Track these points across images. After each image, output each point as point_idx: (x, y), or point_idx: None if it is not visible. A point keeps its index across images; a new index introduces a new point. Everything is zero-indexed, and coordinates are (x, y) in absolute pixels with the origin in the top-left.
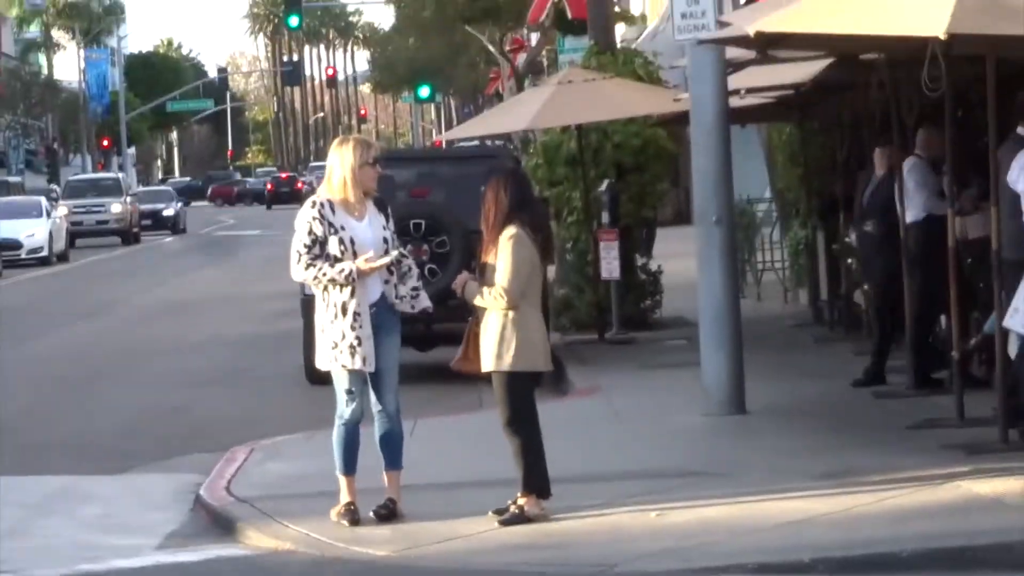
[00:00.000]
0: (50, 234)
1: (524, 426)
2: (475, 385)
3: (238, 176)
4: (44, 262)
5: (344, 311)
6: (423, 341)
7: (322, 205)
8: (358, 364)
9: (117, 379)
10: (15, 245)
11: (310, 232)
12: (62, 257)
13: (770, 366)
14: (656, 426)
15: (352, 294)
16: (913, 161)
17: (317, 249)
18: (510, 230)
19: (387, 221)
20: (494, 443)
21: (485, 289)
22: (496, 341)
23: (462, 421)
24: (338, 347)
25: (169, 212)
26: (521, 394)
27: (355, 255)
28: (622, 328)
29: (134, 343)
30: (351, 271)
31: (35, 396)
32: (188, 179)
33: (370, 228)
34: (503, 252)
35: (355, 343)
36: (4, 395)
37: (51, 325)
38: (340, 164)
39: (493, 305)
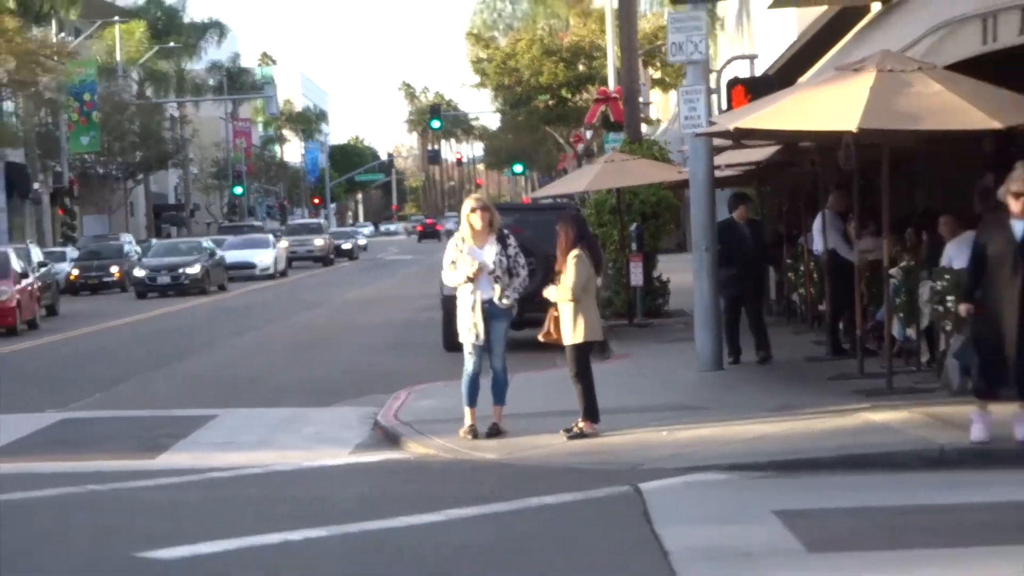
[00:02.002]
0: (275, 259)
1: (584, 376)
2: (551, 353)
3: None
4: (270, 277)
5: (469, 304)
6: (518, 324)
7: (461, 239)
8: (471, 338)
9: (326, 347)
10: (250, 266)
11: (450, 255)
12: (283, 274)
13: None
14: (666, 378)
15: (471, 293)
16: (828, 213)
17: (453, 267)
18: (574, 252)
19: (504, 248)
20: (564, 389)
21: (559, 288)
22: (571, 323)
23: (544, 376)
24: (461, 327)
25: (347, 245)
26: (584, 356)
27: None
28: (644, 317)
29: (336, 324)
30: (466, 273)
31: (273, 357)
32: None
33: (487, 253)
34: (570, 266)
35: (471, 325)
36: (252, 357)
37: (284, 313)
38: (461, 213)
39: (563, 297)
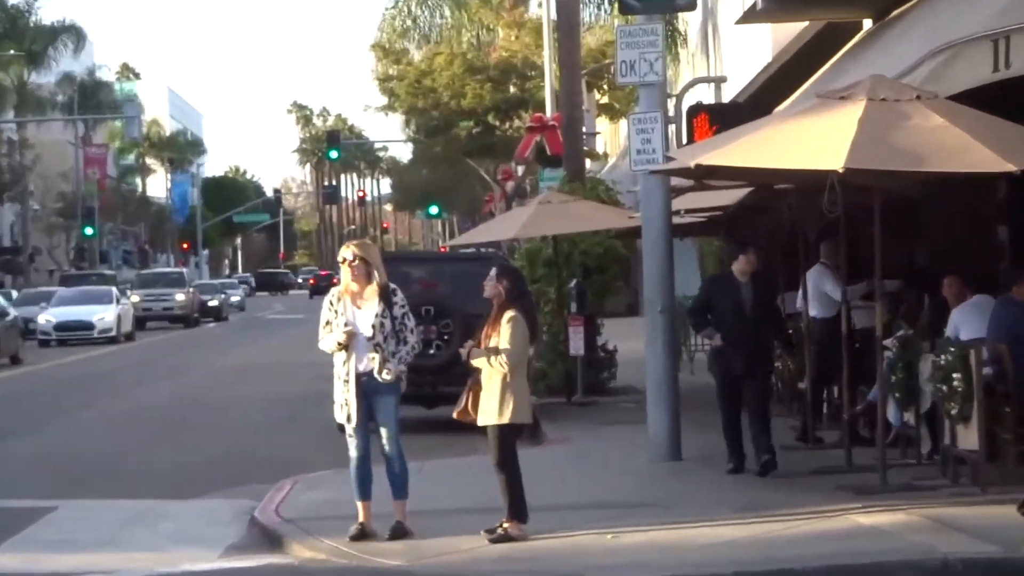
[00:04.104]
0: (118, 317)
1: (510, 466)
2: (470, 434)
3: (289, 273)
4: (112, 340)
5: (339, 377)
6: (430, 400)
7: (333, 295)
8: (343, 418)
9: (191, 426)
10: (86, 326)
11: (324, 316)
12: (129, 337)
13: (701, 424)
14: (611, 468)
15: (344, 363)
16: (819, 268)
17: (329, 329)
18: (510, 313)
19: (388, 307)
20: (486, 480)
21: (491, 357)
22: (497, 399)
23: (461, 463)
24: (336, 403)
25: (214, 302)
26: (511, 440)
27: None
28: (586, 393)
29: (205, 398)
30: (337, 340)
31: (123, 438)
32: (247, 275)
33: (364, 314)
34: (505, 330)
35: (343, 402)
36: (98, 437)
37: (133, 385)
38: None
39: (497, 370)
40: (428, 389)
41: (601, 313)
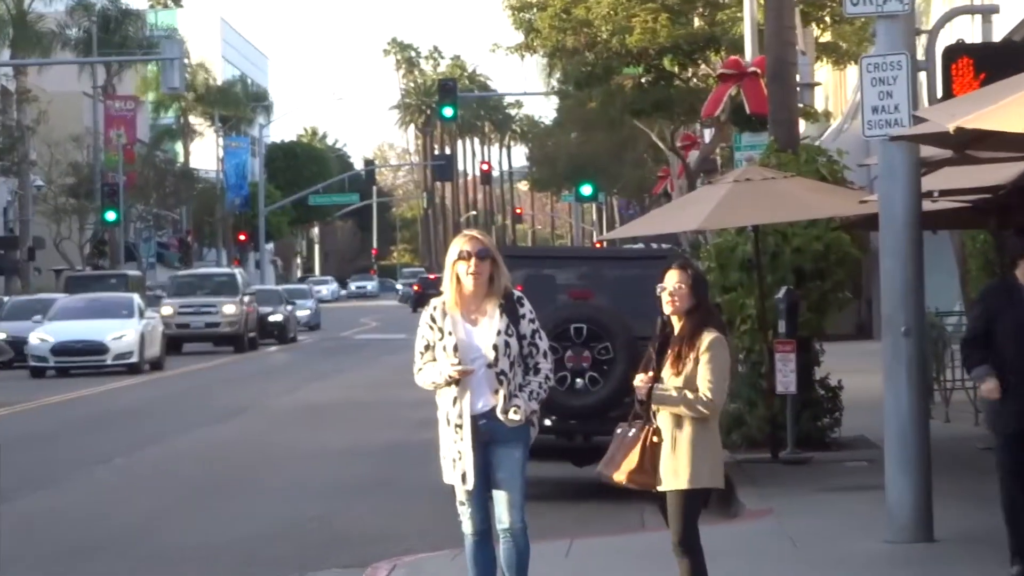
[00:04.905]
0: (141, 337)
1: (696, 546)
2: (637, 501)
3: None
4: (133, 369)
5: (448, 421)
6: (580, 455)
7: (434, 308)
8: (456, 480)
9: (245, 487)
10: (98, 349)
11: (422, 338)
12: (157, 365)
13: (960, 491)
14: (835, 553)
15: (454, 403)
16: None
17: (430, 355)
18: (710, 336)
19: (515, 325)
20: (659, 565)
21: (687, 394)
22: (690, 455)
23: (623, 541)
24: (445, 458)
25: (277, 317)
26: (696, 511)
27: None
28: (797, 447)
29: (265, 449)
30: (446, 376)
31: (164, 501)
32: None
33: (481, 333)
34: (706, 360)
35: (455, 457)
36: (121, 499)
37: (171, 429)
38: (446, 262)
39: (695, 413)
40: (579, 439)
41: (821, 336)
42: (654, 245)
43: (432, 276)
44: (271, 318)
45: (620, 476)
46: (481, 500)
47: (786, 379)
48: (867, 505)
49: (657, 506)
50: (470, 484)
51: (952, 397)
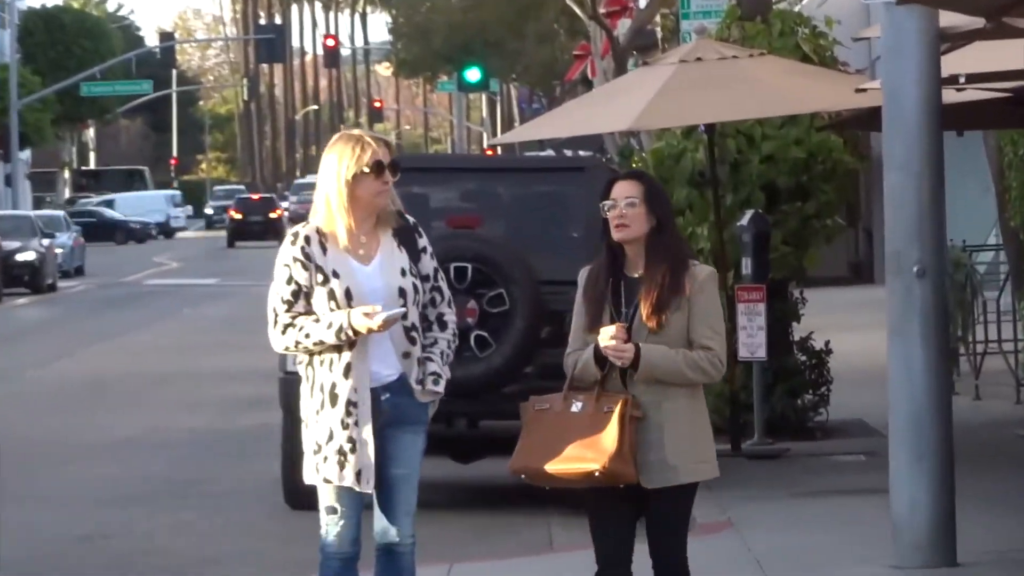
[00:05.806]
0: None
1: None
2: (542, 512)
3: None
4: None
5: (334, 398)
6: (464, 446)
7: (306, 240)
8: (348, 480)
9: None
10: None
11: (289, 280)
12: None
13: (994, 496)
14: None
15: (347, 372)
16: None
17: (301, 305)
18: (704, 271)
19: (415, 262)
20: None
21: (696, 355)
22: (691, 437)
23: (524, 566)
24: (322, 451)
25: (28, 256)
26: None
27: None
28: (767, 435)
29: (24, 438)
30: (343, 326)
31: None
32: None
33: (380, 274)
34: (703, 298)
35: (346, 447)
36: None
37: None
38: (327, 176)
39: (705, 379)
40: (460, 424)
41: (802, 279)
42: (568, 152)
43: (256, 197)
44: (19, 257)
45: (577, 466)
46: (359, 507)
47: (752, 340)
48: (865, 516)
49: (589, 514)
50: (370, 484)
51: (984, 364)
